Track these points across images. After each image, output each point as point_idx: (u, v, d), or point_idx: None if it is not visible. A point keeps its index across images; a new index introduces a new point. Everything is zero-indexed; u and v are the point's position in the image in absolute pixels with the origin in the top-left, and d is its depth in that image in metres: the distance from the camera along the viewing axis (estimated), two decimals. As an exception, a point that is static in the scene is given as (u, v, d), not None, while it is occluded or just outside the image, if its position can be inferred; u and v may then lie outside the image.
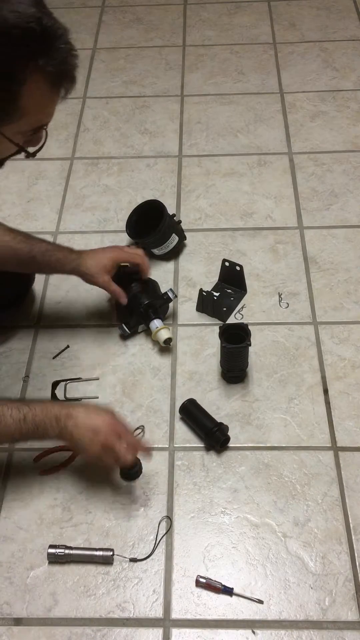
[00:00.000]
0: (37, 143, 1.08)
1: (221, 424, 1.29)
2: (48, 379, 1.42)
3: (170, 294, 1.47)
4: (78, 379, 1.42)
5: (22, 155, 1.07)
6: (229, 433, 1.31)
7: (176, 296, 1.51)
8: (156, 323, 1.44)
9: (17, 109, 0.95)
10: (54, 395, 1.39)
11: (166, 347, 1.45)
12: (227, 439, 1.29)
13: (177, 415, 1.35)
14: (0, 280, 1.43)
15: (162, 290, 1.51)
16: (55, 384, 1.41)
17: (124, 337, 1.48)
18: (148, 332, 1.48)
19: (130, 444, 1.16)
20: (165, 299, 1.48)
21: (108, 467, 1.26)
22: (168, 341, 1.43)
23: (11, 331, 1.52)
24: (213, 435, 1.28)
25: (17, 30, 0.87)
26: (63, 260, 1.42)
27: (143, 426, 1.33)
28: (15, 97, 0.93)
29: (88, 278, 1.44)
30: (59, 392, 1.40)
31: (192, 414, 1.32)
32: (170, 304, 1.52)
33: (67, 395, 1.39)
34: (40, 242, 1.41)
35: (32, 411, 1.11)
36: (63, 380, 1.42)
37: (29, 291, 1.58)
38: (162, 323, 1.45)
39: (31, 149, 1.07)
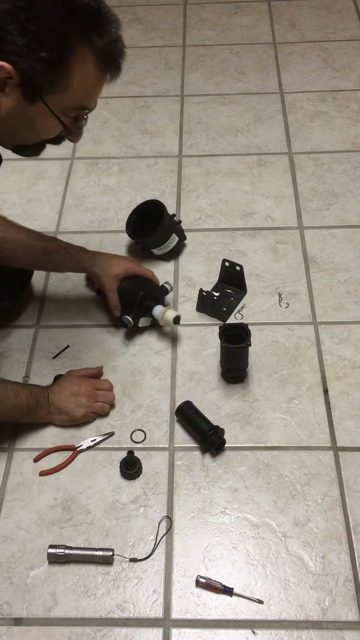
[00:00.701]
0: (78, 132, 1.09)
1: (217, 427, 1.29)
2: (48, 379, 1.42)
3: (167, 286, 1.48)
4: None
5: (59, 142, 1.09)
6: (229, 433, 1.31)
7: (172, 288, 1.51)
8: (159, 308, 1.43)
9: (63, 78, 0.96)
10: None
11: (163, 349, 1.45)
12: (223, 442, 1.29)
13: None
14: (1, 270, 1.44)
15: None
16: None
17: (127, 328, 1.47)
18: (152, 328, 1.48)
19: (105, 399, 1.36)
20: (163, 291, 1.48)
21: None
22: (177, 319, 1.41)
23: (11, 331, 1.52)
24: (209, 439, 1.27)
25: (79, 2, 0.91)
26: (77, 258, 1.45)
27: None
28: (63, 65, 0.94)
29: (98, 279, 1.46)
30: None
31: (188, 417, 1.32)
32: (171, 305, 1.52)
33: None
34: (54, 240, 1.46)
35: (27, 394, 1.26)
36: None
37: (29, 281, 1.58)
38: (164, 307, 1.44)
39: (71, 137, 1.08)
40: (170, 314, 1.41)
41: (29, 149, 1.10)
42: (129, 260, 1.52)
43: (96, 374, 1.42)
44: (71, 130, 1.06)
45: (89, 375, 1.39)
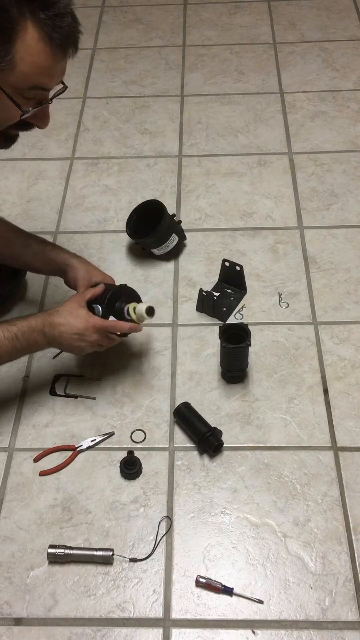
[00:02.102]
0: (43, 119, 1.08)
1: (215, 428, 1.29)
2: (48, 379, 1.42)
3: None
4: (79, 376, 1.42)
5: (18, 130, 1.07)
6: (229, 433, 1.31)
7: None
8: (128, 307, 1.30)
9: (7, 54, 0.94)
10: (53, 389, 1.40)
11: (163, 349, 1.45)
12: (221, 444, 1.28)
13: (177, 415, 1.35)
14: None
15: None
16: (56, 378, 1.41)
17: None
18: (152, 328, 1.48)
19: (112, 328, 1.28)
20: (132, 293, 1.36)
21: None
22: (151, 311, 1.29)
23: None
24: (206, 440, 1.27)
25: None
26: (55, 254, 1.40)
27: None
28: (6, 37, 0.93)
29: (72, 271, 1.37)
30: (60, 390, 1.40)
31: (186, 418, 1.32)
32: (170, 305, 1.52)
33: (67, 391, 1.40)
34: (35, 236, 1.43)
35: (20, 329, 1.20)
36: (65, 375, 1.42)
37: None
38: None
39: (35, 121, 1.07)
40: (141, 308, 1.28)
41: None
42: (105, 280, 1.41)
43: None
44: (24, 110, 1.03)
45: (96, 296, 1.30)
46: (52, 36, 0.96)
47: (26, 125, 1.10)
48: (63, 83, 1.07)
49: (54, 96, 1.08)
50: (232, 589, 1.12)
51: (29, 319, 1.23)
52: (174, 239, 1.61)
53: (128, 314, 1.31)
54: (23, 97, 1.01)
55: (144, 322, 1.32)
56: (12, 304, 1.57)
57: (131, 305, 1.31)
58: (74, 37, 1.00)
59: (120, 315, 1.31)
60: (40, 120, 1.08)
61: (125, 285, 1.38)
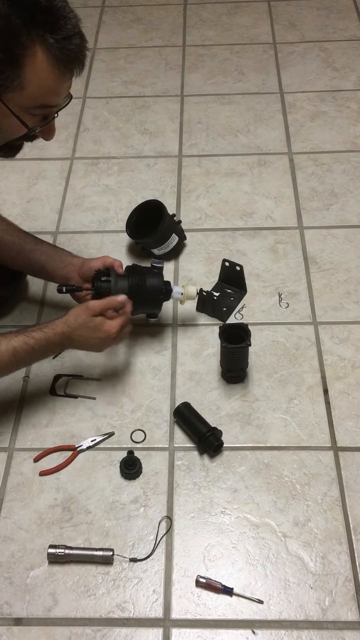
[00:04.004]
0: (49, 133, 1.10)
1: (215, 428, 1.29)
2: (48, 379, 1.42)
3: (157, 264, 1.39)
4: (80, 376, 1.42)
5: (28, 140, 1.09)
6: (229, 433, 1.31)
7: (162, 266, 1.41)
8: (177, 289, 1.40)
9: (16, 76, 0.96)
10: (53, 389, 1.40)
11: (163, 349, 1.45)
12: (221, 444, 1.28)
13: (177, 415, 1.35)
14: None
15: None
16: (57, 378, 1.41)
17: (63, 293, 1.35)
18: (152, 328, 1.48)
19: (123, 325, 1.29)
20: (156, 272, 1.38)
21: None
22: (198, 293, 1.43)
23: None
24: (206, 440, 1.27)
25: (27, 0, 0.92)
26: (53, 252, 1.41)
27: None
28: (15, 63, 0.95)
29: (76, 263, 1.39)
30: (60, 391, 1.40)
31: (186, 418, 1.32)
32: (170, 305, 1.52)
33: (67, 391, 1.40)
34: (34, 236, 1.43)
35: (38, 342, 1.21)
36: (65, 375, 1.42)
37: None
38: (178, 287, 1.41)
39: (42, 135, 1.09)
40: (192, 291, 1.41)
41: (1, 149, 1.10)
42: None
43: (116, 306, 1.30)
44: (32, 129, 1.06)
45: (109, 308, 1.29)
46: (61, 58, 0.98)
47: (31, 137, 1.11)
48: (68, 93, 1.09)
49: (60, 109, 1.09)
50: (232, 589, 1.12)
51: (46, 331, 1.23)
52: (174, 239, 1.61)
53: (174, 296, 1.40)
54: (29, 115, 1.03)
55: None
56: (12, 304, 1.57)
57: (180, 292, 1.41)
58: (82, 56, 1.02)
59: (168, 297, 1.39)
60: (46, 134, 1.10)
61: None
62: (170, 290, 1.40)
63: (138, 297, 1.34)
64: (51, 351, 1.27)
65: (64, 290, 1.33)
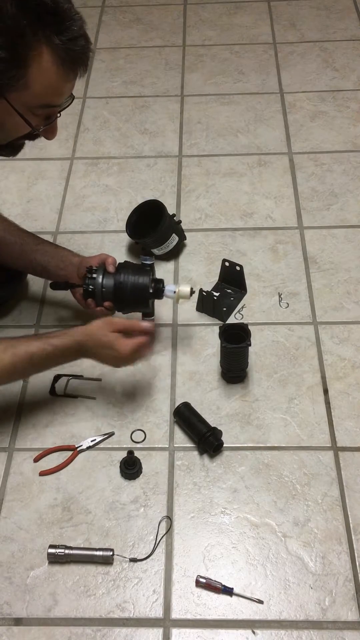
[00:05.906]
0: (51, 132, 1.11)
1: (215, 428, 1.29)
2: (48, 379, 1.41)
3: (147, 261, 1.38)
4: (80, 377, 1.42)
5: (27, 140, 1.10)
6: (229, 433, 1.31)
7: (153, 263, 1.41)
8: (170, 287, 1.37)
9: (21, 76, 0.97)
10: (53, 389, 1.40)
11: (163, 349, 1.45)
12: (221, 444, 1.28)
13: (177, 415, 1.35)
14: None
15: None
16: (56, 378, 1.41)
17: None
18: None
19: (137, 347, 1.26)
20: (146, 270, 1.37)
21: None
22: (193, 292, 1.38)
23: (11, 331, 1.52)
24: (206, 440, 1.27)
25: (34, 1, 0.93)
26: (54, 252, 1.43)
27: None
28: (20, 63, 0.96)
29: (77, 262, 1.40)
30: (60, 391, 1.40)
31: (186, 418, 1.32)
32: (170, 305, 1.51)
33: (67, 391, 1.40)
34: (35, 236, 1.44)
35: (56, 349, 1.21)
36: (65, 375, 1.42)
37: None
38: (172, 285, 1.38)
39: (44, 134, 1.10)
40: (185, 290, 1.36)
41: (4, 149, 1.11)
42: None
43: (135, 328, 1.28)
44: (36, 128, 1.07)
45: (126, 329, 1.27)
46: (66, 59, 0.99)
47: (33, 136, 1.12)
48: (71, 94, 1.10)
49: (62, 109, 1.10)
50: (232, 589, 1.12)
51: (64, 340, 1.23)
52: (174, 239, 1.61)
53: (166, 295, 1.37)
54: (33, 114, 1.05)
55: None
56: (13, 304, 1.57)
57: (174, 290, 1.37)
58: (86, 58, 1.03)
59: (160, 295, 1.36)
60: (48, 133, 1.12)
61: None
62: (162, 289, 1.37)
63: (124, 295, 1.34)
64: (68, 358, 1.27)
65: (54, 287, 1.40)
